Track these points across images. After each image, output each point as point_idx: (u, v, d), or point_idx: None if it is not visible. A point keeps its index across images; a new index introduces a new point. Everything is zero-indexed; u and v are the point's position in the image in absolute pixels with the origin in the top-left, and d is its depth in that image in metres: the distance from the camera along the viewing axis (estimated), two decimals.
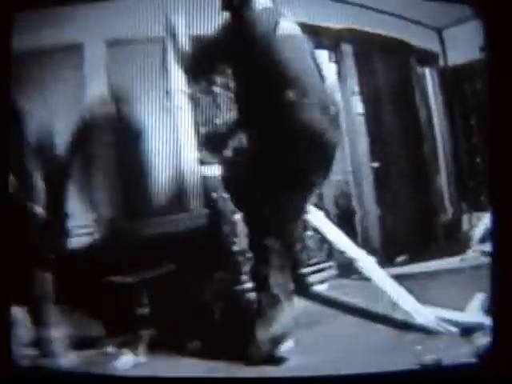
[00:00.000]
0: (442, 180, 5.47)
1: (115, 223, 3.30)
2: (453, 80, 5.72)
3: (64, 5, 2.94)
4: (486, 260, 2.93)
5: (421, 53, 5.60)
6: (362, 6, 4.90)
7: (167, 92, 3.58)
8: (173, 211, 3.49)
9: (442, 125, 5.61)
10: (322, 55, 4.47)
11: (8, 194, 2.29)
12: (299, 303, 3.32)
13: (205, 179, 3.52)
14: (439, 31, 5.81)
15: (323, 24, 4.52)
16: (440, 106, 5.67)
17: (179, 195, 3.54)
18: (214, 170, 3.40)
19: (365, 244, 4.49)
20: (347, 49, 4.89)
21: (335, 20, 4.66)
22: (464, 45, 5.31)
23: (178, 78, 3.58)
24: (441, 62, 5.82)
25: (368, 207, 4.81)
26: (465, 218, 5.24)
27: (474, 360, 1.97)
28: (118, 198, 3.42)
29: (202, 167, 3.48)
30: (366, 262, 3.47)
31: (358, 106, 4.83)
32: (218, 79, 3.62)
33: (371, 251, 3.89)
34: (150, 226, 3.37)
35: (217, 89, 3.68)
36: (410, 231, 4.76)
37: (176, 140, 3.61)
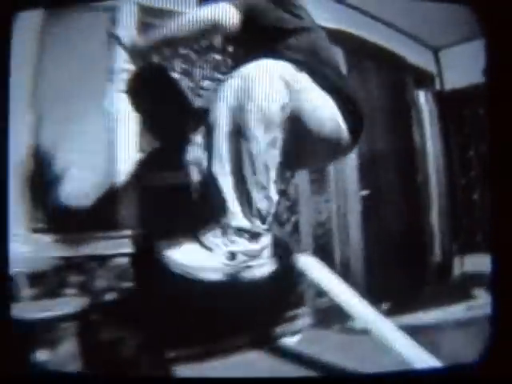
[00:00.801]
0: (433, 216, 4.84)
1: None
2: (450, 105, 5.22)
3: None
4: None
5: (417, 72, 5.16)
6: (359, 9, 4.50)
7: None
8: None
9: (436, 154, 5.01)
10: None
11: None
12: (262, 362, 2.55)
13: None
14: (436, 51, 5.42)
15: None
16: (435, 133, 5.09)
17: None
18: None
19: None
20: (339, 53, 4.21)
21: (328, 20, 4.03)
22: (462, 67, 5.01)
23: None
24: (437, 85, 5.41)
25: (352, 242, 4.12)
26: (456, 260, 4.62)
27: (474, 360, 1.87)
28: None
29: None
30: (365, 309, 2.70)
31: None
32: None
33: None
34: None
35: None
36: (398, 273, 4.07)
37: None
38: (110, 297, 2.71)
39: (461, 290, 3.97)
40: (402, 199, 4.57)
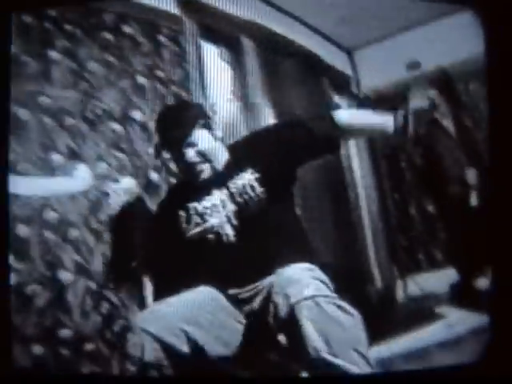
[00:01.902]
0: (368, 240, 4.22)
1: None
2: (372, 109, 4.69)
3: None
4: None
5: (333, 74, 4.70)
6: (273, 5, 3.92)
7: None
8: None
9: (363, 167, 4.43)
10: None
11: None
12: None
13: None
14: (349, 52, 5.02)
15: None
16: (360, 144, 4.51)
17: None
18: None
19: None
20: (249, 47, 3.52)
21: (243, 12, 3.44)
22: (378, 68, 4.70)
23: None
24: (354, 88, 4.86)
25: None
26: (398, 284, 4.06)
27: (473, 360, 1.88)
28: None
29: None
30: None
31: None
32: None
33: None
34: None
35: None
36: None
37: None
38: None
39: (424, 311, 3.64)
40: (332, 220, 3.90)
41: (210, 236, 2.01)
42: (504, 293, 1.93)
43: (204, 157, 1.98)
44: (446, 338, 3.10)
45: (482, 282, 4.01)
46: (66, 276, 2.44)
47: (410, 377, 1.88)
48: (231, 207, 2.00)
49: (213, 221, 2.01)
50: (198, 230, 2.02)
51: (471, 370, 1.86)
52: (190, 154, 1.97)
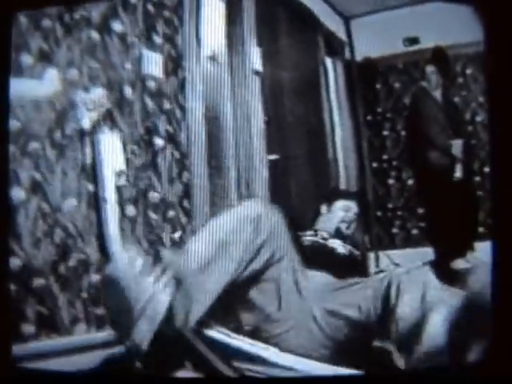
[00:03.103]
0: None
1: None
2: (361, 77, 4.59)
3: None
4: None
5: (328, 36, 4.52)
6: None
7: None
8: None
9: (344, 129, 4.29)
10: None
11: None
12: None
13: None
14: (347, 19, 4.85)
15: None
16: (344, 108, 4.36)
17: None
18: None
19: None
20: None
21: None
22: (374, 38, 4.58)
23: None
24: (347, 54, 4.83)
25: None
26: (371, 257, 4.03)
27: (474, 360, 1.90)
28: None
29: None
30: None
31: (256, 63, 3.37)
32: None
33: None
34: None
35: None
36: None
37: None
38: None
39: None
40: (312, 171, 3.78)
41: None
42: (505, 293, 1.90)
43: None
44: None
45: (460, 264, 3.92)
46: (18, 194, 2.21)
47: (410, 377, 1.89)
48: None
49: None
50: None
51: (473, 371, 1.85)
52: None
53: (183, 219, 2.70)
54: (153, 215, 2.54)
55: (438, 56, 4.22)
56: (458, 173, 3.95)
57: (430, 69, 4.19)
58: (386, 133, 4.47)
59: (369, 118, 4.61)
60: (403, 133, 4.49)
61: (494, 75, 1.99)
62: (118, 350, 2.03)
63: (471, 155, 4.19)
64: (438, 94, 4.15)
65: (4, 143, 2.04)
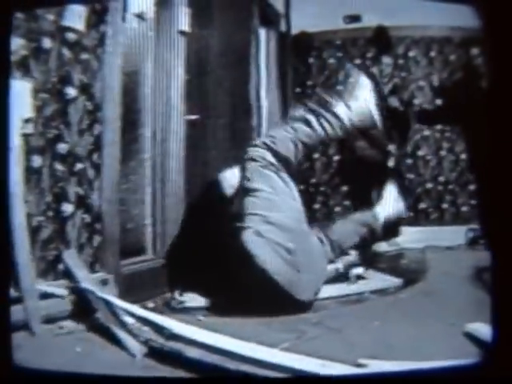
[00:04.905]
0: None
1: None
2: (294, 49, 4.57)
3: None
4: None
5: (264, 6, 4.48)
6: None
7: None
8: None
9: (272, 104, 4.28)
10: None
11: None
12: None
13: None
14: None
15: None
16: (274, 78, 4.35)
17: None
18: None
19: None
20: None
21: None
22: (312, 13, 4.48)
23: None
24: (283, 26, 4.69)
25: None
26: None
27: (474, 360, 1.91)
28: None
29: None
30: None
31: (183, 24, 3.32)
32: None
33: None
34: None
35: None
36: None
37: None
38: None
39: None
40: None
41: None
42: (506, 292, 1.92)
43: None
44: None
45: (382, 247, 4.01)
46: None
47: (411, 377, 1.88)
48: None
49: None
50: None
51: (475, 371, 1.86)
52: None
53: (91, 173, 2.63)
54: (59, 167, 2.47)
55: (380, 35, 4.19)
56: (391, 163, 4.00)
57: (386, 60, 4.13)
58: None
59: (297, 90, 4.61)
60: None
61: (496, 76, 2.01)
62: None
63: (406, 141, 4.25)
64: (385, 87, 4.11)
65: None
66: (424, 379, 1.86)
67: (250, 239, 2.75)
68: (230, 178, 3.02)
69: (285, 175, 2.89)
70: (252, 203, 2.82)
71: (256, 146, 2.96)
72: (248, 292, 2.62)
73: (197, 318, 2.57)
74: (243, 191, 2.88)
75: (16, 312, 2.10)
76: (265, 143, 2.92)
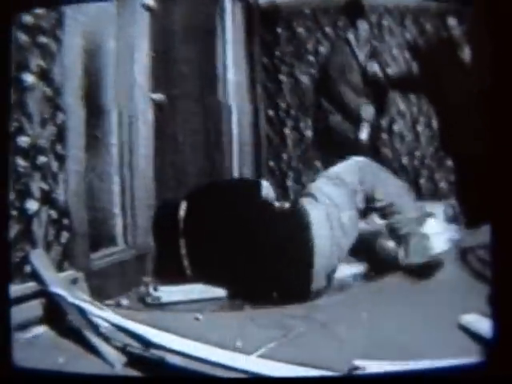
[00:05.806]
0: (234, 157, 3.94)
1: None
2: (262, 20, 4.40)
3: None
4: None
5: None
6: None
7: None
8: None
9: (239, 77, 4.12)
10: None
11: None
12: None
13: None
14: None
15: None
16: (240, 50, 4.18)
17: None
18: None
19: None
20: None
21: None
22: None
23: None
24: None
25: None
26: None
27: (474, 361, 1.90)
28: None
29: None
30: None
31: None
32: None
33: None
34: None
35: None
36: None
37: None
38: None
39: None
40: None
41: None
42: (507, 293, 1.92)
43: None
44: None
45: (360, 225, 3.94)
46: None
47: (411, 377, 1.87)
48: None
49: None
50: None
51: (475, 371, 1.86)
52: None
53: (55, 166, 2.46)
54: (21, 162, 2.29)
55: (352, 4, 4.07)
56: (364, 135, 3.91)
57: (362, 25, 4.03)
58: (282, 78, 4.32)
59: (265, 60, 4.43)
60: (303, 79, 4.36)
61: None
62: None
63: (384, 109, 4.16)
64: (362, 53, 4.02)
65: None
66: (424, 379, 1.86)
67: (308, 204, 2.76)
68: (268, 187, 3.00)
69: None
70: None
71: None
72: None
73: (195, 317, 2.44)
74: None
75: (16, 312, 2.03)
76: None
